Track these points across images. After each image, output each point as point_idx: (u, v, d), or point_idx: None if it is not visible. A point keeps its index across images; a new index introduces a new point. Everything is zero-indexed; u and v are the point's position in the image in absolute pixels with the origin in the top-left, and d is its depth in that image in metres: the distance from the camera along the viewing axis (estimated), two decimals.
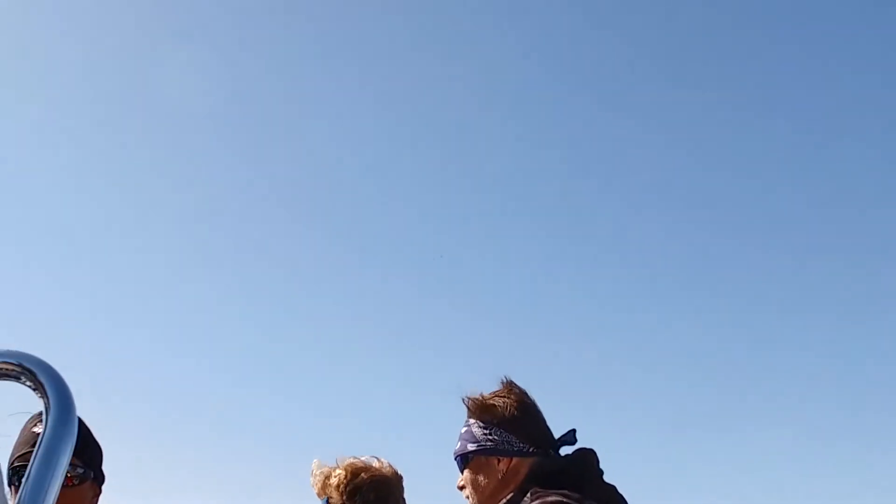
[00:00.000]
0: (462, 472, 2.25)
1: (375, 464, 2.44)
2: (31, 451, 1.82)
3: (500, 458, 2.17)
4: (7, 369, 0.88)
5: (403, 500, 2.40)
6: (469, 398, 2.26)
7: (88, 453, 1.91)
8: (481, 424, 2.22)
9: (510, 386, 2.26)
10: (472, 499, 2.21)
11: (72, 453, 0.85)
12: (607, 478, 2.15)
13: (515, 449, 2.17)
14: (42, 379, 0.87)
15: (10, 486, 1.92)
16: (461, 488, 2.26)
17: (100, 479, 1.93)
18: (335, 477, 2.40)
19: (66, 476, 1.80)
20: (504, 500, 2.12)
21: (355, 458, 2.47)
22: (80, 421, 1.86)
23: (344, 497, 2.32)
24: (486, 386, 2.33)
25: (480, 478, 2.19)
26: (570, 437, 2.21)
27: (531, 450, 2.16)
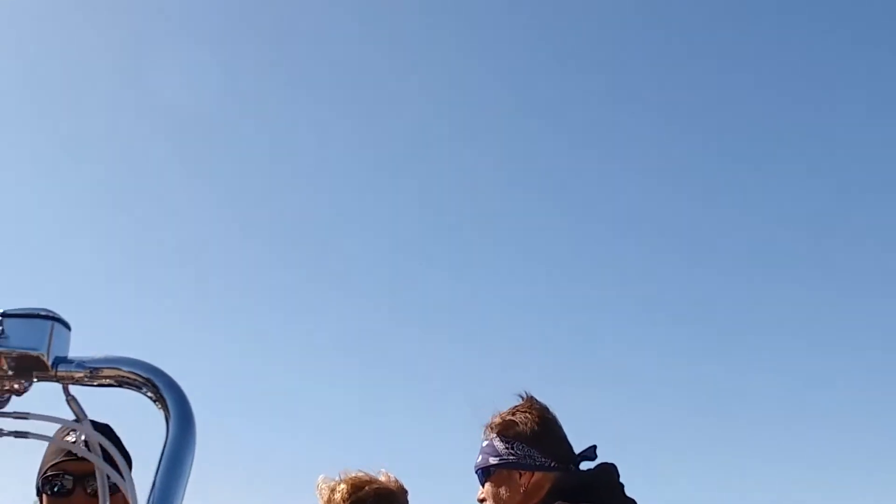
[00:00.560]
0: (483, 486, 2.28)
1: (382, 478, 2.47)
2: (63, 461, 1.82)
3: (522, 472, 2.20)
4: (130, 378, 0.89)
5: None
6: (495, 415, 2.29)
7: (125, 464, 1.90)
8: (503, 438, 2.24)
9: (531, 401, 2.30)
10: None
11: (193, 464, 0.86)
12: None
13: (538, 463, 2.19)
14: (164, 393, 0.88)
15: (38, 495, 1.91)
16: (482, 501, 2.28)
17: None
18: (339, 491, 2.42)
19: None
20: None
21: (361, 471, 2.49)
22: (111, 430, 1.86)
23: None
24: (499, 402, 2.36)
25: (502, 491, 2.22)
26: (590, 452, 2.25)
27: (553, 464, 2.19)
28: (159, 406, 0.89)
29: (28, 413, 0.91)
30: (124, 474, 0.88)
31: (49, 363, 0.90)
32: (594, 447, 2.26)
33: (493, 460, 2.24)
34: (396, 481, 2.49)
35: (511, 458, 2.21)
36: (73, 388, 0.92)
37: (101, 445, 0.95)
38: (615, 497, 2.13)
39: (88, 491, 1.82)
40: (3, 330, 0.89)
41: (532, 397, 2.30)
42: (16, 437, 0.92)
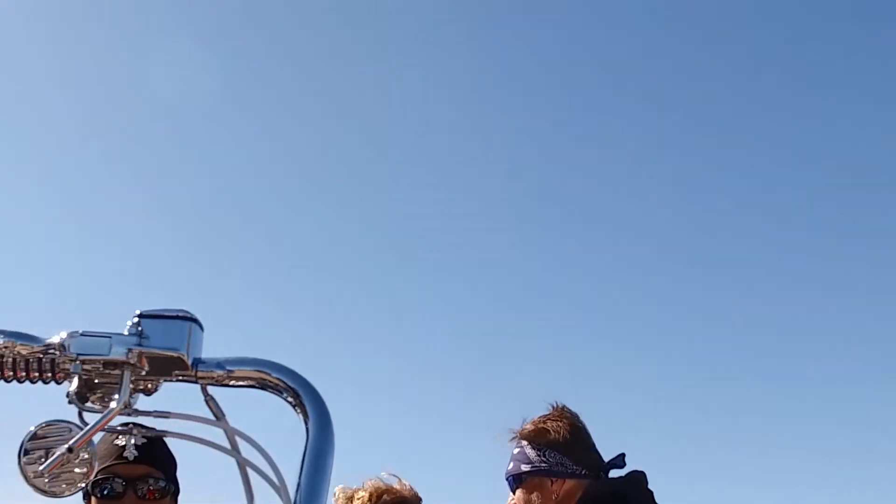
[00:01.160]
0: (514, 493, 2.32)
1: (396, 485, 2.50)
2: (114, 465, 1.82)
3: (554, 480, 2.24)
4: (273, 382, 0.92)
5: None
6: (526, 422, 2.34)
7: (171, 468, 1.92)
8: (535, 446, 2.28)
9: (562, 410, 2.34)
10: None
11: (332, 467, 0.89)
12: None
13: (569, 471, 2.24)
14: (306, 401, 0.91)
15: (86, 498, 1.91)
16: None
17: (177, 492, 1.94)
18: (358, 499, 2.46)
19: (149, 490, 1.81)
20: None
21: (377, 479, 2.53)
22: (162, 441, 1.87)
23: None
24: (526, 411, 2.41)
25: (534, 497, 2.26)
26: (619, 461, 2.30)
27: (584, 472, 2.24)
28: (298, 411, 0.92)
29: (169, 412, 0.93)
30: (275, 476, 0.91)
31: (189, 363, 0.92)
32: (623, 455, 2.30)
33: (524, 467, 2.28)
34: (411, 489, 2.53)
35: (543, 465, 2.26)
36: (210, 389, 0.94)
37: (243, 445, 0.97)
38: None
39: (139, 494, 1.83)
40: (142, 330, 0.91)
41: (563, 406, 2.35)
42: (158, 436, 0.94)
